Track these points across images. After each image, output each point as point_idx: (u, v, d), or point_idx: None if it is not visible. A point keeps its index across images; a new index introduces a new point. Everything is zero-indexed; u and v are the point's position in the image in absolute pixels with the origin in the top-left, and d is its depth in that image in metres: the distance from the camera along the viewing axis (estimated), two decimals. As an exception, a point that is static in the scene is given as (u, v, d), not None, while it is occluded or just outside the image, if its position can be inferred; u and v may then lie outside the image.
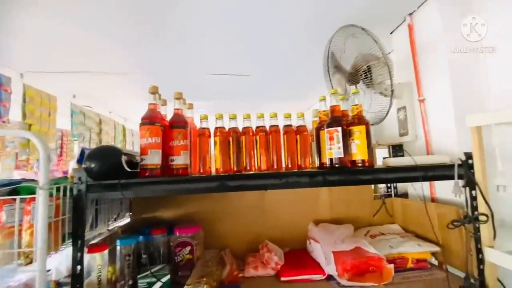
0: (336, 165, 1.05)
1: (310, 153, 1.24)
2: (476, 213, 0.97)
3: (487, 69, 1.23)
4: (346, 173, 0.97)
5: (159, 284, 0.87)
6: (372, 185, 1.52)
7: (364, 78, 1.45)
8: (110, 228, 1.14)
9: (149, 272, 0.92)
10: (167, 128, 1.00)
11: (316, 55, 1.61)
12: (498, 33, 1.17)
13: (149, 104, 0.98)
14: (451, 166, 1.00)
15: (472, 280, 0.96)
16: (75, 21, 1.48)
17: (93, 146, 3.14)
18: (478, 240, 0.96)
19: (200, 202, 1.38)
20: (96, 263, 0.90)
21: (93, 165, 0.81)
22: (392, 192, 1.53)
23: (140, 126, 0.95)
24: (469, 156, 0.99)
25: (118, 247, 0.96)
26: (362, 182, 0.95)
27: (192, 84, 2.58)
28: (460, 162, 0.99)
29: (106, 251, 0.91)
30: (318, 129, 1.17)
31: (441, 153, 1.28)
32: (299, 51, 1.97)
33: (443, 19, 1.31)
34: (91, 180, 0.85)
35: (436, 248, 1.17)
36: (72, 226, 0.80)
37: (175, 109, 1.04)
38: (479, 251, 0.96)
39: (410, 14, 1.50)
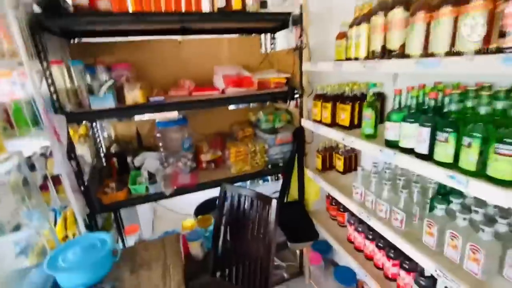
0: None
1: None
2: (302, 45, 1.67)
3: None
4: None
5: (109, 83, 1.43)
6: (261, 41, 2.14)
7: None
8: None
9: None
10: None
11: None
12: None
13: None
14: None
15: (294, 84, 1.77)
16: None
17: None
18: (301, 61, 1.70)
19: (132, 52, 1.83)
20: (58, 73, 1.37)
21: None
22: (275, 48, 2.19)
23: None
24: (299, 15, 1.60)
25: (71, 67, 1.42)
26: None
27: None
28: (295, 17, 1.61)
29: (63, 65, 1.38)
30: None
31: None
32: None
33: None
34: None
35: (288, 75, 1.93)
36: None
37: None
38: (301, 66, 1.71)
39: None
